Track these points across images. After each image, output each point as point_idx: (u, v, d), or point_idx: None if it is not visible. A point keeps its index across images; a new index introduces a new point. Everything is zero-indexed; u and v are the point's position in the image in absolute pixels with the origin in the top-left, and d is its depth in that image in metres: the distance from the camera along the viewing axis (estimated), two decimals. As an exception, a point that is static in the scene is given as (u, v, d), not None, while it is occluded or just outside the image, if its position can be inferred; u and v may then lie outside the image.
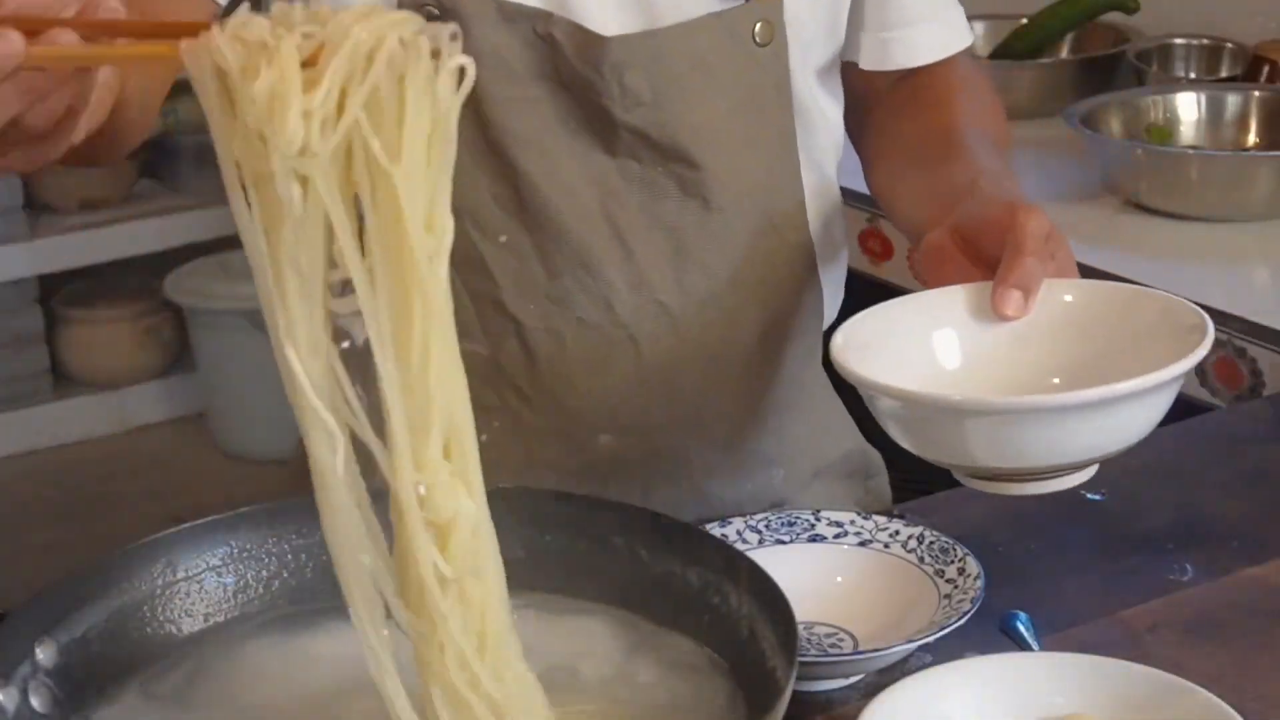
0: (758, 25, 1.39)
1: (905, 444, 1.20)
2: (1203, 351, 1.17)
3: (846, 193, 1.55)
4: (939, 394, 1.18)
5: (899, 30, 1.49)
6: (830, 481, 1.55)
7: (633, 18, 1.37)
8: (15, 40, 0.91)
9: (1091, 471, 1.20)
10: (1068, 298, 1.26)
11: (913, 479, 1.57)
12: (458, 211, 1.35)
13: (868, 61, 1.51)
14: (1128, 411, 1.14)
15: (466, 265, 1.38)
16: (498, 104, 1.36)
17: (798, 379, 1.49)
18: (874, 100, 1.55)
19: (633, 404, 1.42)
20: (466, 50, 1.33)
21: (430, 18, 1.31)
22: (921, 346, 1.26)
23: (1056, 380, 1.24)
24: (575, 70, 1.35)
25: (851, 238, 2.47)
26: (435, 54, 0.87)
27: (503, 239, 1.38)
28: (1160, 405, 1.17)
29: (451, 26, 0.88)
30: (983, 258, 1.28)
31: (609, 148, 1.38)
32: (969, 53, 1.55)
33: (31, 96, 0.96)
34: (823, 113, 1.48)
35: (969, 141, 1.42)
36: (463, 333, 1.37)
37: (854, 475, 1.58)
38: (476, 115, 1.36)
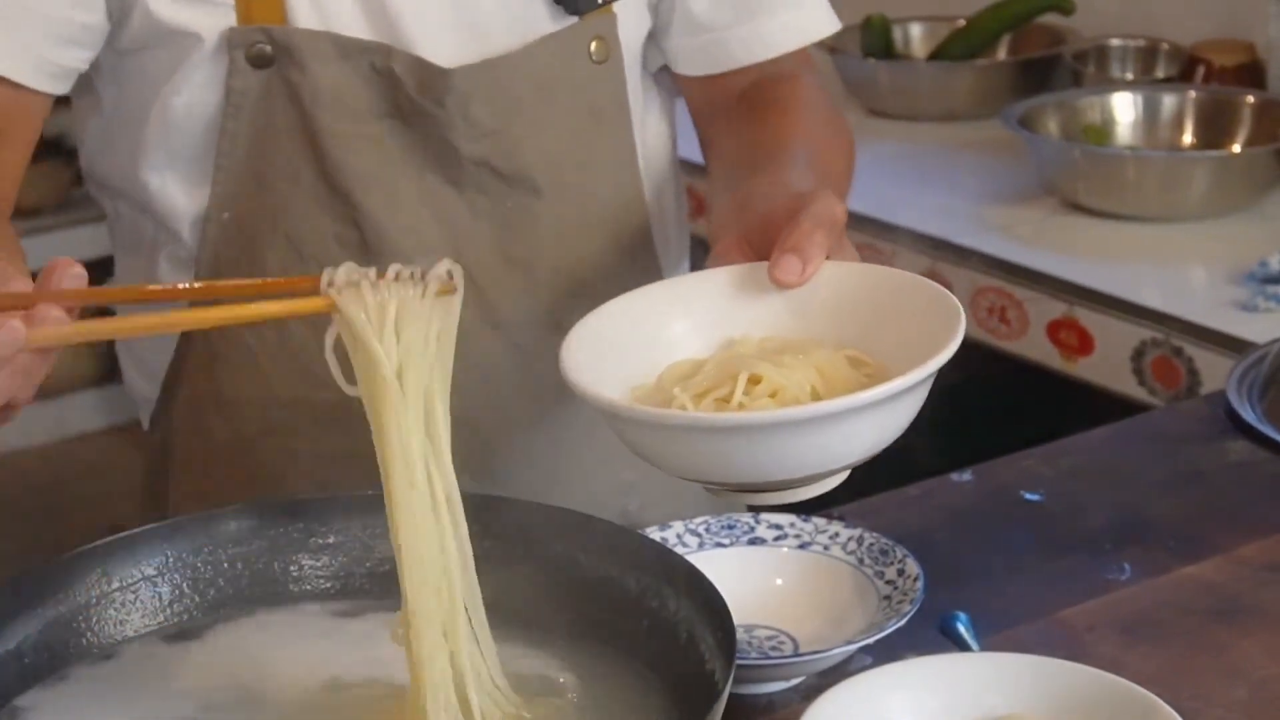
0: (593, 43, 1.39)
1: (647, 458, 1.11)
2: (944, 357, 1.06)
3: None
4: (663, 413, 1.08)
5: (709, 34, 1.45)
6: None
7: (469, 47, 1.35)
8: (17, 327, 0.91)
9: (842, 476, 1.11)
10: (834, 279, 1.17)
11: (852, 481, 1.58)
12: (301, 254, 1.35)
13: (692, 68, 1.47)
14: (852, 426, 1.05)
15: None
16: (338, 142, 1.34)
17: None
18: (714, 118, 1.49)
19: (488, 445, 1.41)
20: (303, 87, 1.33)
21: (263, 55, 1.31)
22: (655, 342, 1.17)
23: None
24: (417, 104, 1.34)
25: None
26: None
27: None
28: (900, 411, 1.07)
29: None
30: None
31: (454, 182, 1.37)
32: (811, 67, 1.50)
33: (26, 378, 0.96)
34: (656, 125, 1.47)
35: (783, 154, 1.35)
36: (314, 381, 1.37)
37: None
38: (315, 155, 1.34)
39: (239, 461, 1.44)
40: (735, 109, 1.46)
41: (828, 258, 1.16)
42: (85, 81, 1.39)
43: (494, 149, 1.36)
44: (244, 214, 1.36)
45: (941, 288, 1.14)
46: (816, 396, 1.09)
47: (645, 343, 1.17)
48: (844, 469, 1.10)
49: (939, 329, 1.09)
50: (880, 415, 1.06)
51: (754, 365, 1.10)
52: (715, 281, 1.19)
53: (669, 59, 1.48)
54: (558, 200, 1.39)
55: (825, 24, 1.50)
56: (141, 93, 1.37)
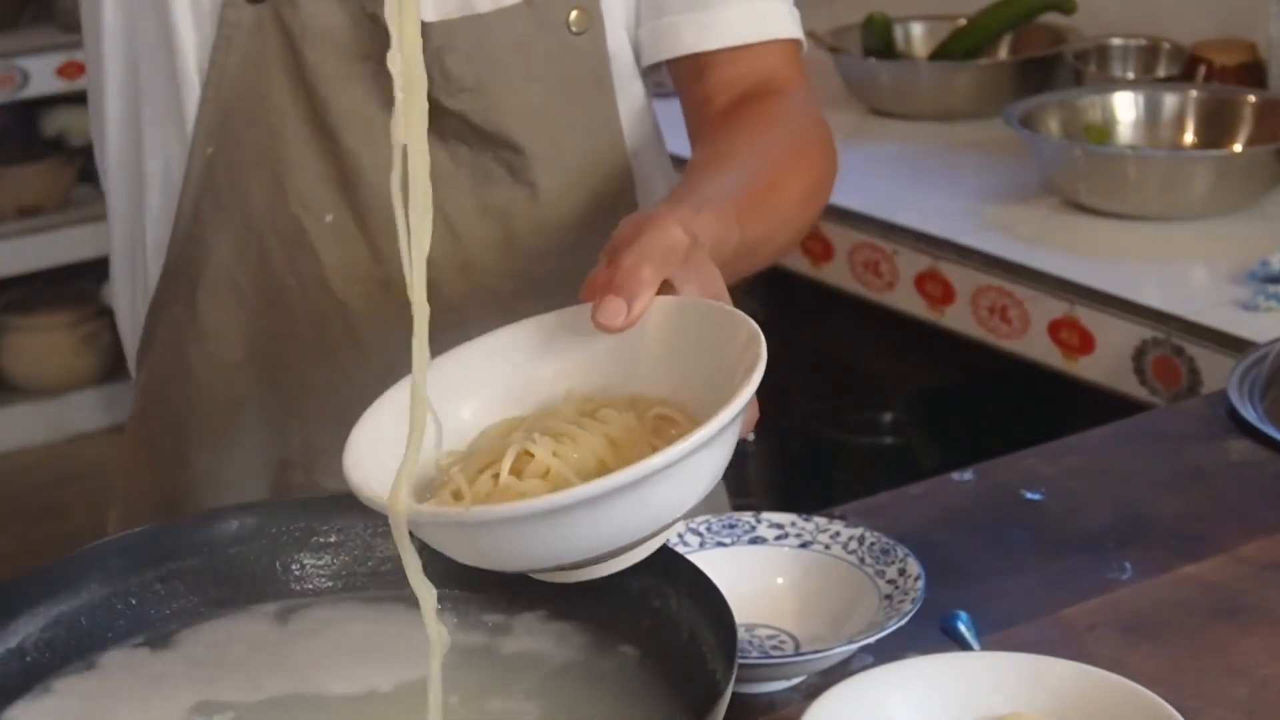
0: (572, 14, 1.39)
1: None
2: (736, 406, 0.94)
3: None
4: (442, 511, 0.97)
5: (665, 19, 1.44)
6: None
7: (452, 3, 1.36)
8: None
9: (654, 544, 1.01)
10: (659, 318, 1.06)
11: (854, 480, 1.58)
12: (284, 189, 1.36)
13: (646, 55, 1.45)
14: (607, 511, 0.93)
15: (293, 244, 1.38)
16: (325, 80, 1.36)
17: None
18: (699, 131, 1.45)
19: None
20: (294, 23, 1.35)
21: None
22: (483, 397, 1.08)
23: None
24: None
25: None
26: None
27: (329, 218, 1.37)
28: (670, 486, 0.94)
29: None
30: None
31: (436, 131, 1.36)
32: (805, 87, 1.45)
33: None
34: (645, 101, 1.47)
35: (703, 177, 1.29)
36: (289, 315, 1.38)
37: None
38: (304, 91, 1.36)
39: (216, 394, 1.45)
40: (713, 124, 1.43)
41: (672, 291, 1.07)
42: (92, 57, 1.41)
43: (472, 105, 1.37)
44: (229, 148, 1.37)
45: (749, 324, 1.01)
46: (604, 470, 0.98)
47: (472, 399, 1.08)
48: (637, 545, 0.99)
49: (738, 382, 0.96)
50: (638, 497, 0.93)
51: (527, 441, 1.00)
52: (541, 329, 1.11)
53: (637, 53, 1.47)
54: (538, 161, 1.40)
55: (783, 25, 1.45)
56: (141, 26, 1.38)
